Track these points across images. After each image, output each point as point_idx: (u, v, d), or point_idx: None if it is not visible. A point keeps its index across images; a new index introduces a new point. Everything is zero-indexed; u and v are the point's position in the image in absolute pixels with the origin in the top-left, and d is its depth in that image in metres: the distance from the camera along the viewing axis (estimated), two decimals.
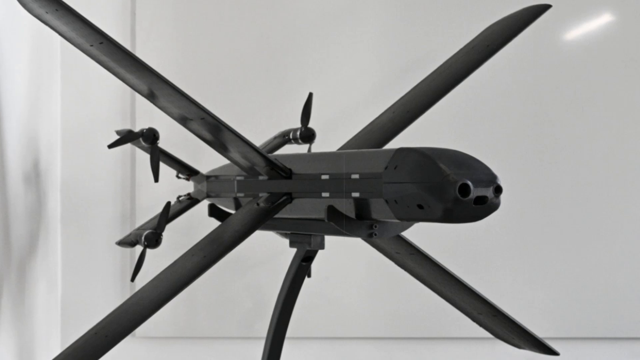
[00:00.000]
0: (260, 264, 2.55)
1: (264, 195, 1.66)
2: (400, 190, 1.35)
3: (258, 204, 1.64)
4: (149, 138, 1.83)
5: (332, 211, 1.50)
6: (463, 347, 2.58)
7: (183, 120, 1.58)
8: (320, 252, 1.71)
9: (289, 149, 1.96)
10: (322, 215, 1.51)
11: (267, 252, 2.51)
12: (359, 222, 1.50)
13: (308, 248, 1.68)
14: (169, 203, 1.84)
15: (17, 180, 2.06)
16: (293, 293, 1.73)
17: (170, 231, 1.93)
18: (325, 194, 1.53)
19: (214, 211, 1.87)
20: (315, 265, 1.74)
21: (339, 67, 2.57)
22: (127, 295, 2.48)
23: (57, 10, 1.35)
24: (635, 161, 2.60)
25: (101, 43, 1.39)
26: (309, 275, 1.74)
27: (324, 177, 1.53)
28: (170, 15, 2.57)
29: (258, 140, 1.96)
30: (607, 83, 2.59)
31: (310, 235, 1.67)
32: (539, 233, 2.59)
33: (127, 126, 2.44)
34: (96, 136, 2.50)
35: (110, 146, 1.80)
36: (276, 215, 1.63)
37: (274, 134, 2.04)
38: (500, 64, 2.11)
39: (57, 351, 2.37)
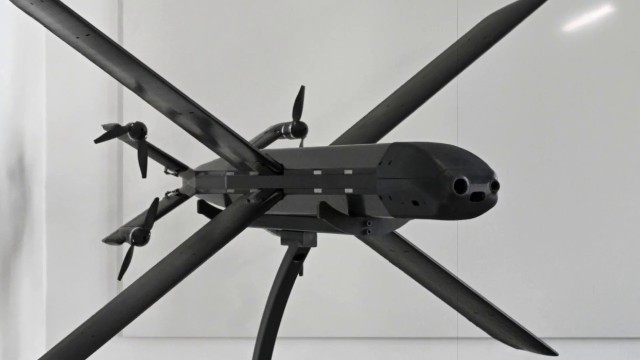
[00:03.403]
0: (251, 262, 2.55)
1: (254, 191, 1.65)
2: (394, 186, 1.34)
3: (248, 200, 1.63)
4: (136, 132, 1.84)
5: (324, 208, 1.49)
6: (460, 347, 2.57)
7: (172, 115, 1.57)
8: (312, 249, 1.70)
9: (280, 144, 1.95)
10: (314, 211, 1.51)
11: (257, 249, 2.51)
12: (352, 219, 1.49)
13: (300, 245, 1.67)
14: (157, 199, 1.86)
15: (1, 175, 2.07)
16: (284, 292, 1.72)
17: (158, 228, 1.93)
18: (318, 190, 1.52)
19: (203, 208, 1.88)
20: (307, 263, 1.73)
21: (331, 59, 2.56)
22: (114, 294, 2.47)
23: (42, 1, 1.35)
24: (636, 157, 2.59)
25: (87, 35, 1.39)
26: (301, 274, 1.73)
27: (316, 172, 1.52)
28: (159, 6, 2.56)
29: (249, 135, 1.95)
30: (607, 77, 2.59)
31: (302, 232, 1.66)
32: (537, 230, 2.59)
33: (114, 120, 2.44)
34: (82, 130, 2.49)
35: (97, 141, 1.83)
36: (267, 212, 1.63)
37: (265, 128, 2.03)
38: (497, 56, 2.10)
39: (43, 351, 2.37)
